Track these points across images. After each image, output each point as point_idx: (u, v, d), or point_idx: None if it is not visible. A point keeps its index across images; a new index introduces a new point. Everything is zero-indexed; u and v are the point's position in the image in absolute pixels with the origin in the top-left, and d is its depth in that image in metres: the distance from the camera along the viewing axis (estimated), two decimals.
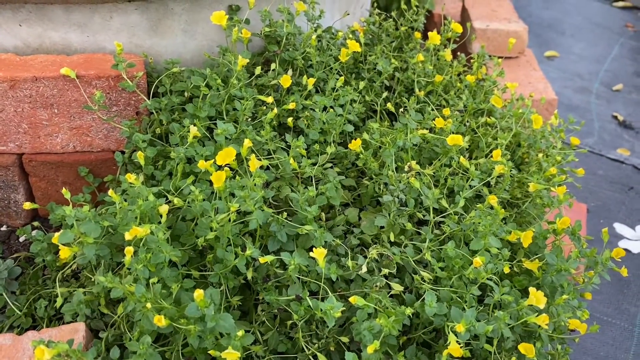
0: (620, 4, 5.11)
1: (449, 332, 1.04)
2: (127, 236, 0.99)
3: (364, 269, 1.11)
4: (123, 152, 1.38)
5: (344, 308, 1.04)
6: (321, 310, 1.01)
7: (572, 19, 4.89)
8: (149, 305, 0.95)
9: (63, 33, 1.40)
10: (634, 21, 4.89)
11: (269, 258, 1.05)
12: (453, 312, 1.06)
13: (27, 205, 1.31)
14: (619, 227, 2.75)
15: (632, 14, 5.01)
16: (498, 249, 1.12)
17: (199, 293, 0.93)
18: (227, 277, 1.13)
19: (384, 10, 2.31)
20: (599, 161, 3.30)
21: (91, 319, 1.19)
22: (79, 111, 1.40)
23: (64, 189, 1.08)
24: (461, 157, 1.23)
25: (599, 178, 3.14)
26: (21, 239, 1.54)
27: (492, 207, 1.18)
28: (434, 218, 1.21)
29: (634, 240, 2.73)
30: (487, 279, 1.07)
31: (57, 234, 1.02)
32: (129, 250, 0.96)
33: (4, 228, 1.56)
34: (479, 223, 1.13)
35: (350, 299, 1.02)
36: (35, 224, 1.45)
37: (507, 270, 1.11)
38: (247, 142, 1.06)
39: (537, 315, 1.03)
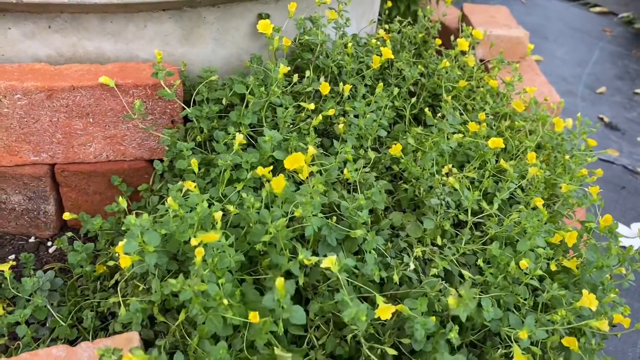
0: (597, 9, 5.28)
1: (505, 338, 1.07)
2: (194, 242, 0.99)
3: (412, 266, 1.14)
4: (161, 160, 1.38)
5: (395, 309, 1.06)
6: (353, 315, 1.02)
7: (553, 25, 5.03)
8: (225, 301, 0.97)
9: (97, 42, 1.39)
10: (610, 26, 5.06)
11: (314, 259, 1.05)
12: (512, 319, 1.09)
13: (67, 216, 1.31)
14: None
15: (609, 19, 5.18)
16: (543, 248, 1.16)
17: (280, 280, 0.95)
18: None
19: (387, 17, 2.35)
20: (591, 163, 3.40)
21: (142, 327, 1.19)
22: (114, 120, 1.39)
23: (120, 197, 1.09)
24: (501, 160, 1.27)
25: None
26: (51, 250, 1.52)
27: (534, 209, 1.22)
28: (472, 219, 1.25)
29: (631, 237, 2.81)
30: (537, 277, 1.11)
31: (120, 243, 1.02)
32: (199, 251, 0.97)
33: (32, 239, 1.54)
34: (525, 224, 1.16)
35: (399, 307, 1.04)
36: (69, 234, 1.43)
37: (553, 267, 1.15)
38: (311, 150, 1.08)
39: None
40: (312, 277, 1.19)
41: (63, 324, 1.25)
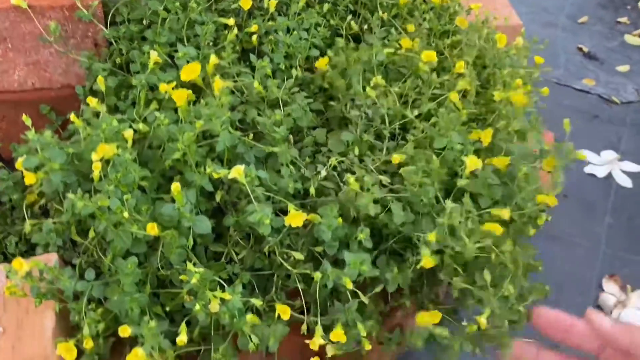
0: None
1: (418, 242, 1.05)
2: (95, 156, 0.97)
3: (323, 173, 1.12)
4: (85, 87, 1.35)
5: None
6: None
7: None
8: (126, 214, 0.95)
9: None
10: None
11: (224, 172, 1.03)
12: (424, 222, 1.07)
13: None
14: (585, 153, 2.81)
15: None
16: (462, 144, 1.12)
17: (175, 185, 0.93)
18: (199, 200, 1.13)
19: None
20: (565, 92, 3.35)
21: (64, 249, 1.18)
22: (34, 45, 1.35)
23: (24, 115, 1.06)
24: (419, 63, 1.22)
25: (565, 108, 3.20)
26: None
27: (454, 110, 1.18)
28: (389, 128, 1.21)
29: (600, 165, 2.80)
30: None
31: (20, 159, 1.00)
32: (97, 166, 0.95)
33: None
34: (439, 121, 1.13)
35: (310, 216, 1.02)
36: None
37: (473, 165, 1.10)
38: (213, 59, 1.05)
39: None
40: (233, 195, 1.17)
41: None
